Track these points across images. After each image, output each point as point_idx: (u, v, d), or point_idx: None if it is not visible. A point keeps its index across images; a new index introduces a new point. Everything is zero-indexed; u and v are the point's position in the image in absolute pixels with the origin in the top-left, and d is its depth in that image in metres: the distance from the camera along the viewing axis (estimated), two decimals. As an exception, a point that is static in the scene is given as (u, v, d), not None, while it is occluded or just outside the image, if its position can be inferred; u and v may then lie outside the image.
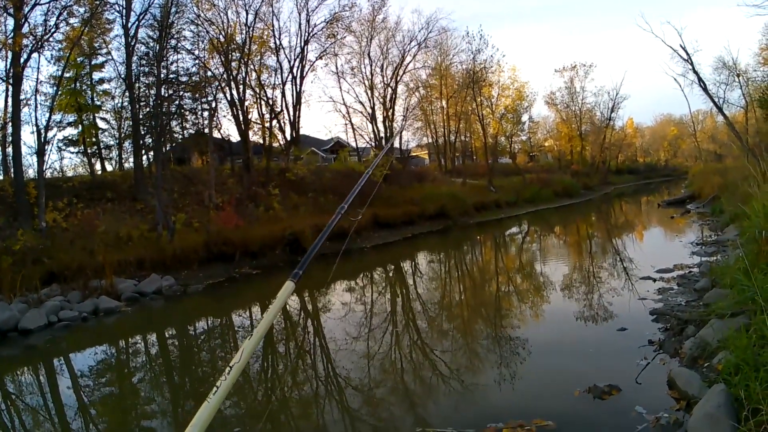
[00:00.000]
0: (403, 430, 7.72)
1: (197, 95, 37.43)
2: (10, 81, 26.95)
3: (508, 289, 18.74)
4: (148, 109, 33.73)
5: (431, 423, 7.67)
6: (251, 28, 38.48)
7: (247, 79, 38.73)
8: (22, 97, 27.52)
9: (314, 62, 44.58)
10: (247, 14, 38.51)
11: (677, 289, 13.35)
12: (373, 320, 15.91)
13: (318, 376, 11.43)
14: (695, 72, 43.86)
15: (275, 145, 42.54)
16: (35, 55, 28.48)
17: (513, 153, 66.08)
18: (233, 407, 9.88)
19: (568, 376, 8.68)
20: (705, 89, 44.01)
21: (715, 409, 5.77)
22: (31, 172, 30.28)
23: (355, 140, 50.83)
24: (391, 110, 48.88)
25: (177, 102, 35.41)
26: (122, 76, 35.61)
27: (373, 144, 48.97)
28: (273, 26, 41.30)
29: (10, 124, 27.41)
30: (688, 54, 42.70)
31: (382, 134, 48.51)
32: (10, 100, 27.56)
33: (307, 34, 42.58)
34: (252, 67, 39.41)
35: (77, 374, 13.09)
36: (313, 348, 14.10)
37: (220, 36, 37.24)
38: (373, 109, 48.53)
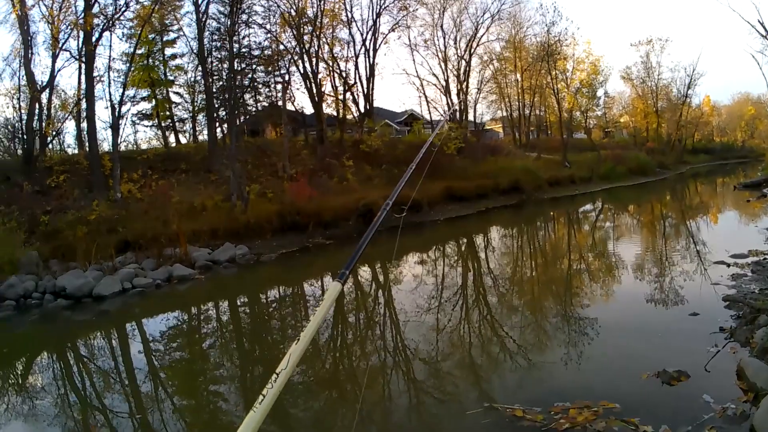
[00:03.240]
0: (468, 404, 7.74)
1: (270, 68, 37.82)
2: (83, 59, 27.85)
3: (579, 267, 18.55)
4: (221, 83, 34.26)
5: (496, 399, 7.72)
6: (322, 1, 38.77)
7: (320, 52, 39.12)
8: (95, 74, 28.56)
9: (387, 35, 44.56)
10: (317, -13, 38.55)
11: (751, 276, 12.96)
12: (443, 293, 16.02)
13: (386, 346, 11.58)
14: (773, 49, 42.64)
15: (349, 117, 42.80)
16: (106, 33, 29.52)
17: (588, 128, 64.98)
18: (301, 374, 10.07)
19: (636, 359, 8.60)
20: (783, 67, 42.75)
21: (782, 404, 5.67)
22: (106, 146, 31.43)
23: (429, 113, 50.79)
24: (465, 83, 48.81)
25: (250, 75, 35.79)
26: (194, 51, 36.47)
27: (447, 117, 48.73)
28: (344, -1, 41.27)
29: (85, 100, 28.20)
30: (766, 30, 41.52)
31: (456, 107, 48.31)
32: (83, 77, 28.46)
33: (378, 6, 42.51)
34: (324, 40, 39.79)
35: (149, 339, 13.51)
36: (382, 319, 14.27)
37: (291, 10, 37.63)
38: (446, 81, 48.47)
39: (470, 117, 51.42)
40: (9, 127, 31.29)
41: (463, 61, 48.84)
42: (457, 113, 48.00)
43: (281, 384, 1.88)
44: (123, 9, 28.91)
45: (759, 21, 41.91)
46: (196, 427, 8.27)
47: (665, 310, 11.62)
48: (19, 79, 29.88)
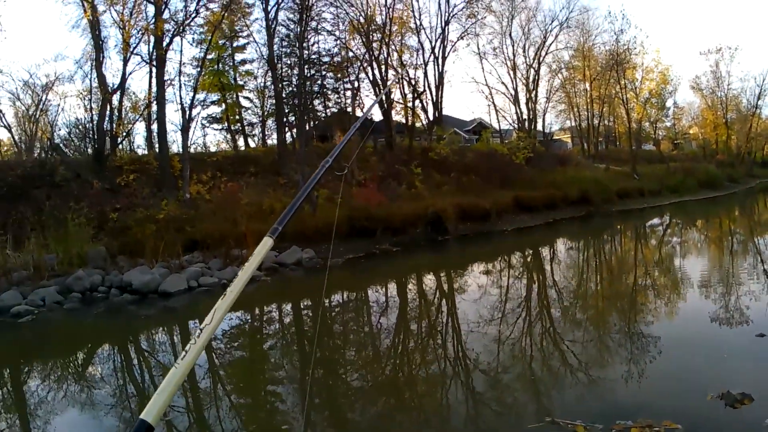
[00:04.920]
0: (528, 418, 7.74)
1: (339, 75, 38.25)
2: (154, 63, 28.79)
3: (644, 283, 18.31)
4: (290, 88, 34.80)
5: (556, 413, 7.69)
6: (391, 9, 39.16)
7: (389, 59, 39.35)
8: (165, 78, 29.53)
9: (455, 42, 44.77)
10: (385, -5, 38.91)
11: (820, 297, 12.77)
12: (507, 305, 15.95)
13: (447, 355, 11.63)
14: None
15: (418, 124, 42.99)
16: (177, 38, 30.40)
17: (657, 139, 64.08)
18: (360, 380, 10.24)
19: (699, 379, 8.51)
20: None
21: None
22: (175, 148, 32.31)
23: (498, 121, 50.76)
24: (534, 92, 48.61)
25: (319, 81, 36.26)
26: (264, 57, 37.14)
27: (516, 126, 48.70)
28: (412, 6, 41.97)
29: (155, 102, 28.99)
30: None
31: (524, 116, 48.34)
32: (154, 81, 29.33)
33: (447, 14, 42.73)
34: (393, 47, 40.06)
35: (211, 336, 13.74)
36: (444, 327, 14.32)
37: (360, 17, 37.98)
38: (515, 90, 48.34)
39: (539, 126, 51.19)
40: (80, 126, 32.39)
41: (532, 70, 48.68)
42: (525, 123, 47.93)
43: (205, 340, 1.88)
44: (193, 15, 29.80)
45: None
46: (251, 425, 8.46)
47: (730, 329, 11.41)
48: (90, 81, 30.98)
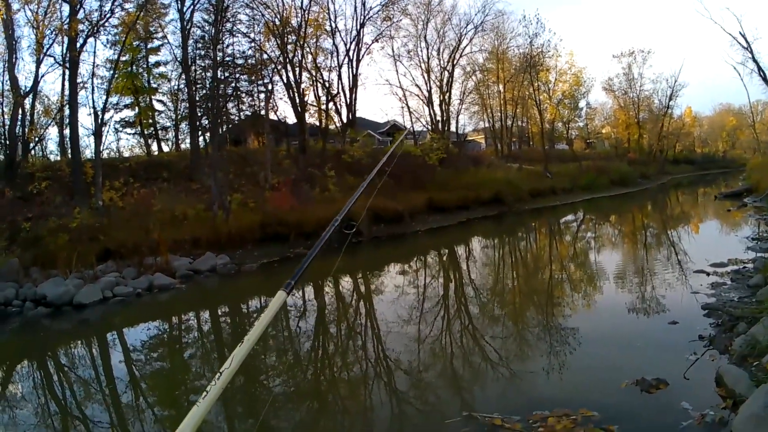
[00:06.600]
0: (450, 413, 7.71)
1: (253, 77, 37.87)
2: (67, 65, 27.85)
3: (560, 277, 18.58)
4: (204, 91, 34.27)
5: (477, 408, 7.70)
6: (306, 11, 38.93)
7: (303, 61, 39.25)
8: (78, 80, 28.51)
9: (370, 45, 44.89)
10: (302, -3, 38.70)
11: (731, 285, 12.99)
12: (425, 304, 15.94)
13: (367, 357, 11.54)
14: (755, 60, 43.18)
15: (331, 127, 42.81)
16: (91, 39, 29.45)
17: (570, 139, 65.37)
18: (282, 385, 10.06)
19: (616, 368, 8.63)
20: (764, 78, 43.13)
21: (761, 410, 5.62)
22: (88, 153, 31.42)
23: (412, 123, 50.79)
24: (447, 94, 48.90)
25: (233, 84, 35.80)
26: (178, 59, 36.64)
27: (429, 127, 48.94)
28: (328, 9, 41.78)
29: (68, 106, 28.17)
30: (747, 42, 42.15)
31: (438, 117, 48.62)
32: (67, 83, 28.44)
33: (362, 16, 42.74)
34: (308, 49, 39.94)
35: (129, 348, 13.43)
36: (363, 329, 14.24)
37: (276, 19, 37.63)
38: (429, 92, 48.62)
39: (452, 128, 51.50)
40: (-9, 132, 31.15)
41: (446, 72, 49.01)
42: (439, 125, 48.27)
43: (224, 382, 2.03)
44: (108, 15, 28.80)
45: (740, 33, 42.44)
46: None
47: (645, 319, 11.66)
48: (2, 84, 29.81)
